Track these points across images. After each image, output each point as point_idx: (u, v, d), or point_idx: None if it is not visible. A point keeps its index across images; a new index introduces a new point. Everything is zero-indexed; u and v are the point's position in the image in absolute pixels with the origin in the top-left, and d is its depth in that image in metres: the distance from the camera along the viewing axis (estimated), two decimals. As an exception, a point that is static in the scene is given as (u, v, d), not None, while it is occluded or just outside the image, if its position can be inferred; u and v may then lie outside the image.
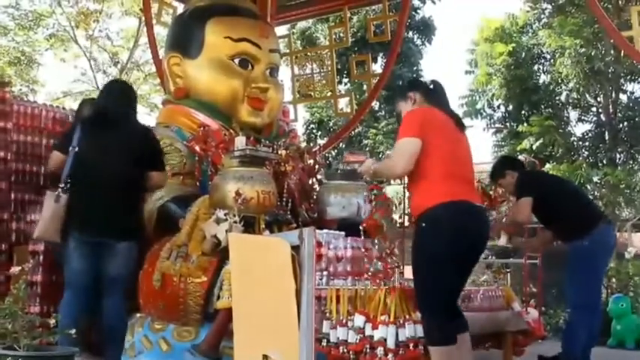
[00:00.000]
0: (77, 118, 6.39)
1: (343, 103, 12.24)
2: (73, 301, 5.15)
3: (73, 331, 4.31)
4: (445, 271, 4.14)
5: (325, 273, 5.03)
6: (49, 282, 5.98)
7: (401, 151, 4.27)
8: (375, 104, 18.45)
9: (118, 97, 5.56)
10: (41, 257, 6.04)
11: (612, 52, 15.96)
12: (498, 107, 19.18)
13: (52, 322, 4.22)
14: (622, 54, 14.48)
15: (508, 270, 6.16)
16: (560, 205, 6.13)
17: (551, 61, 17.87)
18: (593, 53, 15.72)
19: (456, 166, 4.32)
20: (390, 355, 4.48)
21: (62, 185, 5.21)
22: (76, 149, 5.24)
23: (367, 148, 18.32)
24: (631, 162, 16.86)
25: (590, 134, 17.71)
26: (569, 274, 6.09)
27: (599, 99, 17.46)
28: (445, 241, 4.11)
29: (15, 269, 4.60)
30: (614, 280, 10.87)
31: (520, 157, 15.96)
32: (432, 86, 4.72)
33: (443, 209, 4.15)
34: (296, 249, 3.49)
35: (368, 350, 4.37)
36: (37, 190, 6.58)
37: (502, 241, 5.85)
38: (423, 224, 4.22)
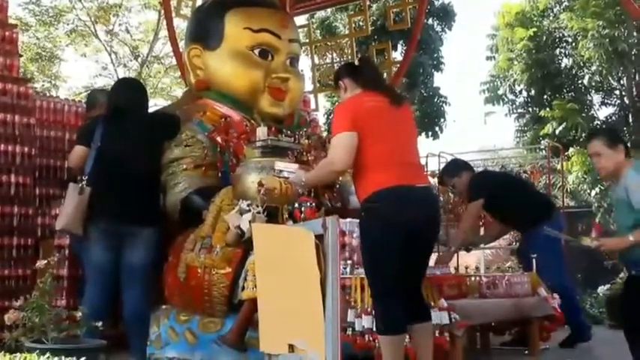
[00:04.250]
0: (89, 108, 6.51)
1: (364, 92, 12.16)
2: (97, 294, 5.20)
3: (100, 323, 4.34)
4: (386, 259, 4.06)
5: (349, 262, 5.02)
6: (75, 276, 6.03)
7: (339, 147, 4.15)
8: (396, 92, 18.35)
9: (132, 92, 5.77)
10: (66, 251, 6.10)
11: (635, 33, 15.79)
12: (520, 92, 19.04)
13: (79, 315, 4.26)
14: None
15: (533, 256, 6.12)
16: (512, 202, 6.55)
17: (573, 44, 17.71)
18: (616, 34, 15.55)
19: (392, 151, 4.20)
20: (415, 343, 4.48)
21: (86, 178, 5.27)
22: (99, 144, 5.33)
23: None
24: (656, 144, 16.71)
25: (613, 117, 17.57)
26: (545, 258, 6.23)
27: (622, 82, 17.30)
28: (381, 229, 4.05)
29: (41, 263, 4.62)
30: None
31: (543, 141, 16.01)
32: (358, 64, 4.61)
33: (376, 198, 4.08)
34: (320, 238, 3.49)
35: (393, 338, 4.35)
36: (61, 184, 6.63)
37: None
38: (363, 213, 4.18)
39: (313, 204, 4.84)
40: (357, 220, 5.41)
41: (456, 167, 7.08)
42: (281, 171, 4.77)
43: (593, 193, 15.96)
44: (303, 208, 4.83)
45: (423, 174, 4.79)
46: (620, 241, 4.84)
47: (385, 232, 4.03)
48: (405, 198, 4.08)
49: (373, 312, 4.51)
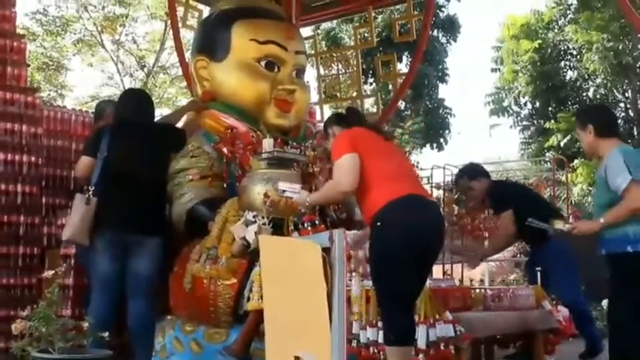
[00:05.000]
0: (96, 119, 6.53)
1: (369, 104, 12.20)
2: (102, 304, 5.21)
3: (106, 333, 4.36)
4: (396, 269, 4.08)
5: (354, 274, 5.02)
6: (81, 285, 6.04)
7: (343, 168, 4.26)
8: (401, 104, 18.41)
9: (139, 103, 5.84)
10: (72, 261, 6.11)
11: (640, 46, 15.83)
12: (525, 104, 19.08)
13: (85, 325, 4.27)
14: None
15: (538, 269, 6.11)
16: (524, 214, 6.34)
17: (578, 57, 17.75)
18: (620, 47, 15.58)
19: (394, 167, 4.35)
20: (420, 355, 4.49)
21: (92, 188, 5.30)
22: (105, 154, 5.36)
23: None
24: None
25: (618, 130, 17.56)
26: (558, 273, 6.30)
27: (627, 94, 17.32)
28: (398, 234, 4.08)
29: (48, 273, 4.64)
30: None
31: (548, 154, 16.00)
32: (345, 112, 4.90)
33: (393, 206, 4.13)
34: (326, 250, 3.50)
35: (398, 351, 4.36)
36: (68, 194, 6.64)
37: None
38: (378, 223, 4.19)
39: (317, 222, 4.84)
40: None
41: (475, 171, 7.06)
42: (284, 191, 4.79)
43: (597, 205, 15.94)
44: (310, 228, 4.84)
45: (425, 189, 4.87)
46: (592, 225, 4.89)
47: (401, 236, 4.07)
48: (418, 206, 4.16)
49: (379, 324, 4.52)
